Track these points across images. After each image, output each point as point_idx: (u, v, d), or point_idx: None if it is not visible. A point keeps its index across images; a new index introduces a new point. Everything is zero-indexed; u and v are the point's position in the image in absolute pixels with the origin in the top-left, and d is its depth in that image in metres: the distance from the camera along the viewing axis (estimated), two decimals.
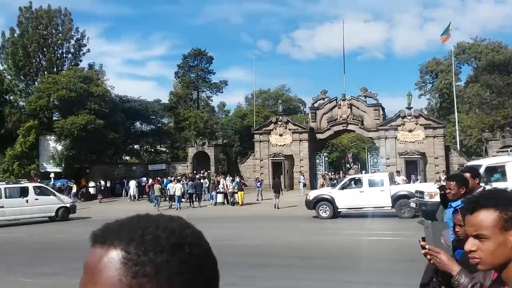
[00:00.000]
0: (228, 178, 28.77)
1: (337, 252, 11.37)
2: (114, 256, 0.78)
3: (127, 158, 50.62)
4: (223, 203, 26.12)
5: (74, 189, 31.46)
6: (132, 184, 32.20)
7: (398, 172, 26.39)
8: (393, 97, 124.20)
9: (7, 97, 40.71)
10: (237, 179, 27.42)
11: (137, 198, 31.95)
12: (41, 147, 36.80)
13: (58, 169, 34.91)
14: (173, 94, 51.59)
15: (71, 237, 16.30)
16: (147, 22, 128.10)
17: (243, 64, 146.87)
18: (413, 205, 16.09)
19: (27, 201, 21.10)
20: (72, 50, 43.50)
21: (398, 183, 20.81)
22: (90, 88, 36.73)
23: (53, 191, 24.02)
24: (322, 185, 24.42)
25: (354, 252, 11.37)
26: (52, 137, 36.37)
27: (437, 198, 14.36)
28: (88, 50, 44.05)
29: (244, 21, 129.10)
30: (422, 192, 15.55)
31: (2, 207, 20.44)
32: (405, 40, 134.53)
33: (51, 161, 35.84)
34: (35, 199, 21.37)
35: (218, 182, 28.35)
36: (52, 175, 31.61)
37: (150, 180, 30.97)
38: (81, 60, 43.94)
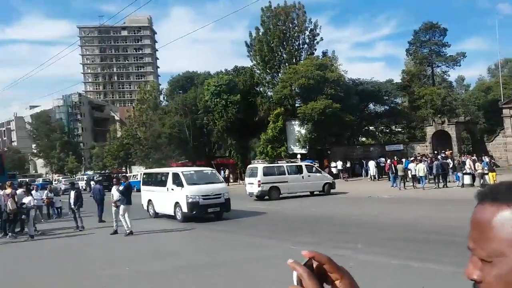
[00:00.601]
0: (474, 158, 26.75)
1: None
2: (508, 214, 0.81)
3: (363, 139, 52.04)
4: (471, 185, 24.50)
5: None
6: (371, 164, 33.23)
7: None
8: None
9: (257, 89, 47.05)
10: (486, 159, 25.25)
11: (377, 178, 32.87)
12: (288, 131, 41.24)
13: (303, 151, 38.53)
14: (405, 72, 50.01)
15: (325, 211, 18.15)
16: (371, 4, 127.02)
17: (482, 33, 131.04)
18: None
19: (302, 177, 24.56)
20: (307, 40, 46.38)
21: None
22: (325, 75, 38.86)
23: (319, 169, 27.17)
24: None
25: None
26: (296, 122, 40.20)
27: None
28: (321, 39, 46.24)
29: None
30: None
31: (287, 182, 24.18)
32: None
33: (297, 143, 39.79)
34: (308, 176, 24.69)
35: (464, 163, 26.62)
36: (298, 156, 35.18)
37: (389, 161, 31.31)
38: (315, 49, 46.42)
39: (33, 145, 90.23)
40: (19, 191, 16.93)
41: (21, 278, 9.58)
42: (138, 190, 25.83)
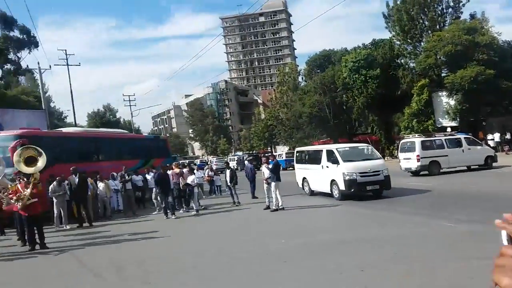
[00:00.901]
0: None
1: None
2: None
3: None
4: None
5: None
6: None
7: None
8: None
9: (398, 61, 45.04)
10: None
11: None
12: (434, 103, 38.80)
13: (453, 123, 35.99)
14: None
15: (490, 187, 16.83)
16: None
17: None
18: None
19: (462, 151, 23.20)
20: (451, 4, 42.67)
21: None
22: (475, 39, 35.60)
23: (480, 142, 25.54)
24: None
25: None
26: (444, 93, 37.63)
27: None
28: (468, 0, 42.31)
29: None
30: None
31: (447, 156, 22.99)
32: None
33: (446, 116, 37.32)
34: (468, 149, 23.28)
35: None
36: (448, 129, 32.90)
37: None
38: (461, 13, 42.66)
39: (190, 130, 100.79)
40: (184, 170, 19.60)
41: (195, 243, 11.51)
42: (284, 169, 27.45)
